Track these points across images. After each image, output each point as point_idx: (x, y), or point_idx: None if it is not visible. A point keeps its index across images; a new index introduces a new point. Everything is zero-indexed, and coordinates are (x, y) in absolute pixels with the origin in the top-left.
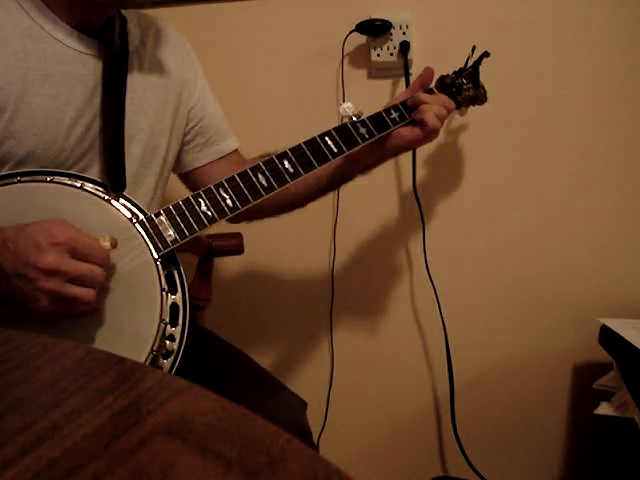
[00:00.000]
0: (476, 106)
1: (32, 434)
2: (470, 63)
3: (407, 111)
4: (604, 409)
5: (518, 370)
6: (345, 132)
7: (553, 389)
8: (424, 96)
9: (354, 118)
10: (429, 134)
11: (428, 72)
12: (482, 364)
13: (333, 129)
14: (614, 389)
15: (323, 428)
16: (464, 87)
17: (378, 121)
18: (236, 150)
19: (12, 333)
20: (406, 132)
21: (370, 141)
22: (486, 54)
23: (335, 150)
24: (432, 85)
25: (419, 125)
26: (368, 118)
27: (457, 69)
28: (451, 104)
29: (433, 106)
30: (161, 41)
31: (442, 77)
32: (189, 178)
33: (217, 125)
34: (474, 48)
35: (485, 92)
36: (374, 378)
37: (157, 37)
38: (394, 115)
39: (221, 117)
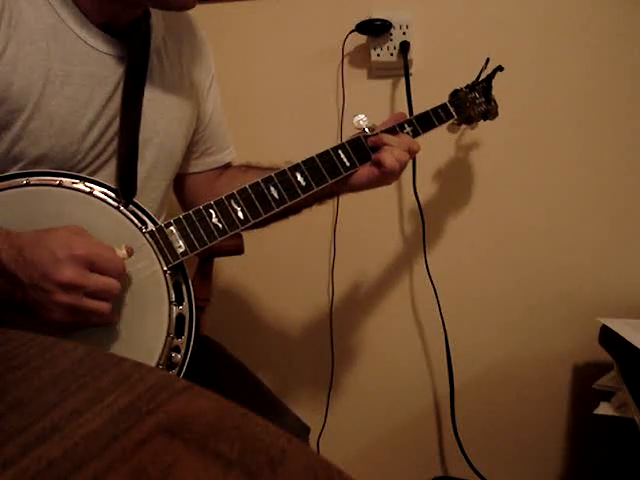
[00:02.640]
0: (487, 121)
1: (32, 434)
2: (483, 76)
3: (420, 125)
4: (604, 409)
5: (518, 370)
6: (358, 146)
7: (553, 389)
8: (386, 137)
9: (367, 130)
10: (386, 176)
11: (398, 117)
12: (482, 364)
13: (346, 142)
14: (614, 389)
15: (323, 428)
16: (476, 101)
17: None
18: (229, 162)
19: (12, 333)
20: (364, 171)
21: None
22: (500, 68)
23: (348, 164)
24: (446, 100)
25: (377, 166)
26: (382, 132)
27: (470, 83)
28: (415, 146)
29: (395, 149)
30: (184, 40)
31: (456, 91)
32: (177, 181)
33: (219, 135)
34: (487, 61)
35: (497, 106)
36: (374, 378)
37: (180, 35)
38: (407, 130)
39: (224, 127)
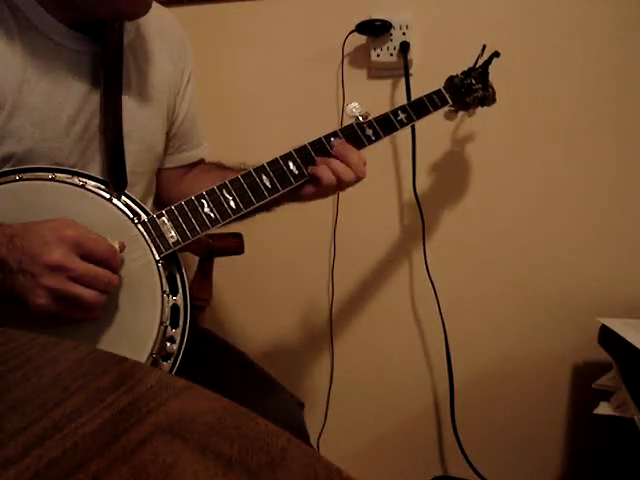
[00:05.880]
0: (484, 107)
1: (32, 434)
2: (480, 63)
3: (415, 111)
4: (603, 409)
5: (518, 370)
6: (351, 133)
7: (553, 389)
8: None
9: (361, 118)
10: (324, 191)
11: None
12: (482, 364)
13: (339, 130)
14: (613, 389)
15: (323, 428)
16: (473, 87)
17: (385, 122)
18: (202, 158)
19: (12, 333)
20: (305, 190)
21: (376, 142)
22: (496, 54)
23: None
24: (441, 86)
25: (314, 181)
26: (375, 119)
27: (466, 69)
28: (356, 157)
29: (332, 161)
30: (159, 34)
31: (451, 77)
32: None
33: (193, 132)
34: (484, 48)
35: (494, 93)
36: (374, 378)
37: (155, 29)
38: (401, 116)
39: (199, 123)
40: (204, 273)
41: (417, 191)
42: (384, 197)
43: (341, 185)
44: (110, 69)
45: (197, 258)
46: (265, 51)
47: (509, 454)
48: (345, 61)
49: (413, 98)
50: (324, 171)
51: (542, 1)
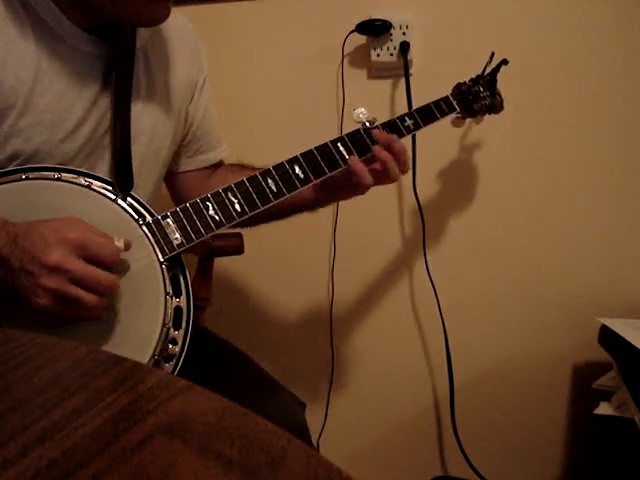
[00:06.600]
0: (492, 115)
1: (32, 434)
2: (488, 70)
3: (422, 117)
4: (604, 409)
5: (518, 370)
6: (358, 139)
7: (553, 389)
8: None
9: (367, 124)
10: (362, 190)
11: None
12: (482, 364)
13: (346, 135)
14: (614, 389)
15: (323, 428)
16: (481, 95)
17: (392, 128)
18: (221, 159)
19: (12, 333)
20: (343, 193)
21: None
22: (504, 62)
23: (347, 157)
24: (449, 92)
25: (352, 182)
26: (382, 125)
27: (474, 76)
28: (399, 146)
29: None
30: (172, 38)
31: (459, 84)
32: (169, 179)
33: (211, 134)
34: (492, 55)
35: (502, 100)
36: (374, 378)
37: (170, 33)
38: (408, 122)
39: (216, 125)
40: (204, 273)
41: (417, 191)
42: (384, 197)
43: (383, 180)
44: (122, 72)
45: (197, 258)
46: (265, 51)
47: (509, 454)
48: (345, 61)
49: (413, 98)
50: (387, 156)
51: (542, 1)
